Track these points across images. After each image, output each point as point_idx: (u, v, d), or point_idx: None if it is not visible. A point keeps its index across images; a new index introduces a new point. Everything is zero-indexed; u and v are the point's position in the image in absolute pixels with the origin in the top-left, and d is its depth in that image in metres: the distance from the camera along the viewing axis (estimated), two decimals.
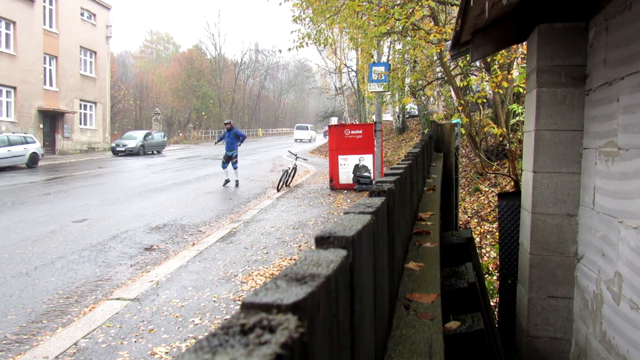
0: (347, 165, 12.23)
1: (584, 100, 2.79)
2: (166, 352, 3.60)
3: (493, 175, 9.66)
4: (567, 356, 2.91)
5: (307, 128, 48.41)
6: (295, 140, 46.22)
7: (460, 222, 7.52)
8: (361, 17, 9.86)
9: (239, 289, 4.96)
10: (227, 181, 13.05)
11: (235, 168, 13.21)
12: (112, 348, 3.67)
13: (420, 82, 11.78)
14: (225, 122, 13.69)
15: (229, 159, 13.18)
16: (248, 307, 0.35)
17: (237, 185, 13.09)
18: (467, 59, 6.57)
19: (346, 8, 9.54)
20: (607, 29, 2.49)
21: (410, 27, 9.08)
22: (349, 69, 32.10)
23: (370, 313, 0.69)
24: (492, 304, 3.88)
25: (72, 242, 6.96)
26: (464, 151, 12.33)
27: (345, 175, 12.23)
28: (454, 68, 11.16)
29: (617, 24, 2.37)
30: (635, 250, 2.11)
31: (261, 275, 5.40)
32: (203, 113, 54.96)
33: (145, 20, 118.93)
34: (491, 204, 8.27)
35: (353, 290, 0.56)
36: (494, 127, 8.60)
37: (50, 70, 25.80)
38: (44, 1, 25.23)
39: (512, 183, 7.29)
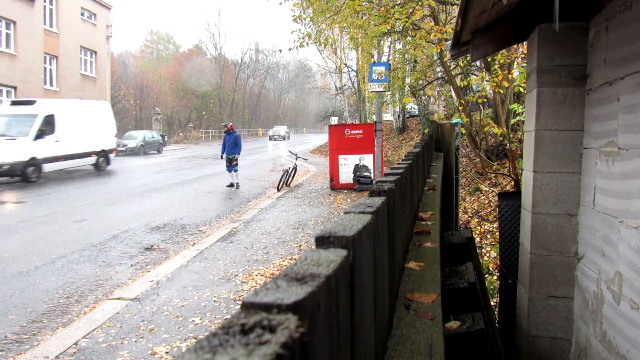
0: (347, 165, 12.22)
1: (584, 100, 2.79)
2: (166, 352, 3.60)
3: (493, 175, 9.65)
4: (568, 356, 2.91)
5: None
6: None
7: (461, 222, 7.51)
8: (361, 17, 9.85)
9: (240, 289, 4.96)
10: (231, 184, 12.91)
11: (235, 171, 12.99)
12: (113, 348, 3.67)
13: (420, 81, 11.78)
14: (224, 123, 13.29)
15: (231, 162, 13.04)
16: (248, 306, 0.35)
17: (237, 187, 12.97)
18: (468, 58, 6.57)
19: (346, 8, 9.54)
20: (607, 28, 2.49)
21: (411, 26, 9.08)
22: (349, 69, 32.04)
23: (370, 313, 0.69)
24: (492, 303, 3.88)
25: (73, 242, 6.96)
26: (464, 151, 12.32)
27: (346, 175, 12.22)
28: (454, 68, 11.15)
29: (618, 24, 2.37)
30: (636, 250, 2.11)
31: (261, 275, 5.40)
32: (203, 113, 54.97)
33: (145, 20, 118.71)
34: (491, 204, 8.27)
35: (353, 290, 0.56)
36: (494, 127, 8.60)
37: (50, 70, 25.78)
38: (44, 1, 25.19)
39: (513, 183, 7.29)
